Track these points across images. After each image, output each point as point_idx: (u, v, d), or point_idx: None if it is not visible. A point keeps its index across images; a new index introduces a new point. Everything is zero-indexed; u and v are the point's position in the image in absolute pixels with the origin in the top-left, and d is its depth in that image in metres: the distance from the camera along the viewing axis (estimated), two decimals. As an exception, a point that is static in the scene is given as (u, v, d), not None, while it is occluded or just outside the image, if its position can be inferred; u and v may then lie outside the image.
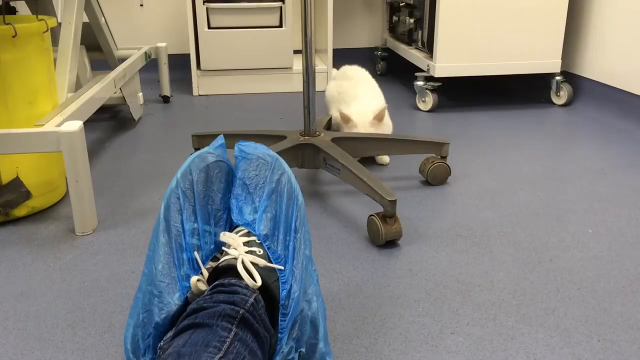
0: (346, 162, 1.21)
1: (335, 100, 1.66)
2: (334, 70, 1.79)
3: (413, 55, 2.23)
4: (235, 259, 0.68)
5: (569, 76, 2.15)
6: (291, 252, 0.71)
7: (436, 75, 2.01)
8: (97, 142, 1.75)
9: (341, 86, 1.65)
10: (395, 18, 2.50)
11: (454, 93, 2.30)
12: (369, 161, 1.56)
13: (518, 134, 1.78)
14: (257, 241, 0.71)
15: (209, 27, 2.23)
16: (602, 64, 2.00)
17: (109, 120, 1.99)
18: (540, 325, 0.86)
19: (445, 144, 1.39)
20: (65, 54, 1.44)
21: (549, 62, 2.05)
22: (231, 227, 0.75)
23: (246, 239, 0.71)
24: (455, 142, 1.70)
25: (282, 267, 0.69)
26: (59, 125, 1.13)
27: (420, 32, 2.17)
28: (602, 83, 2.01)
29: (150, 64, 2.14)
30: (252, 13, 2.24)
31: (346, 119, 1.49)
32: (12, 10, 1.68)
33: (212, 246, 0.73)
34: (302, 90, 1.32)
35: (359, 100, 1.56)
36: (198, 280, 0.68)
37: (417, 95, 2.09)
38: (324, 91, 1.80)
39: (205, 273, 0.70)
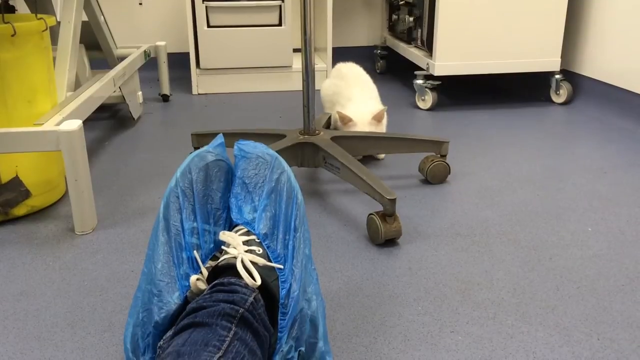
0: (346, 160, 1.21)
1: (331, 100, 1.66)
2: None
3: (412, 53, 2.23)
4: (235, 258, 0.68)
5: (568, 75, 2.15)
6: (291, 251, 0.71)
7: (436, 74, 2.01)
8: (96, 141, 1.75)
9: (337, 86, 1.65)
10: (394, 16, 2.50)
11: (454, 92, 2.30)
12: (368, 159, 1.56)
13: (518, 133, 1.78)
14: (257, 240, 0.71)
15: (209, 26, 2.23)
16: (602, 62, 2.00)
17: (108, 119, 1.98)
18: (540, 324, 0.86)
19: (444, 142, 1.39)
20: (64, 53, 1.44)
21: (548, 60, 2.04)
22: (231, 226, 0.75)
23: (246, 238, 0.71)
24: (455, 141, 1.70)
25: (281, 266, 0.69)
26: (58, 124, 1.13)
27: (419, 30, 2.17)
28: (601, 81, 2.01)
29: (150, 62, 2.14)
30: (252, 11, 2.23)
31: (346, 120, 1.49)
32: (11, 9, 1.68)
33: (212, 245, 0.73)
34: (301, 88, 1.32)
35: (354, 101, 1.56)
36: (197, 279, 0.68)
37: (417, 94, 2.09)
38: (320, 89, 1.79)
39: (205, 272, 0.70)
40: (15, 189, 1.19)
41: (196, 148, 1.45)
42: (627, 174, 1.44)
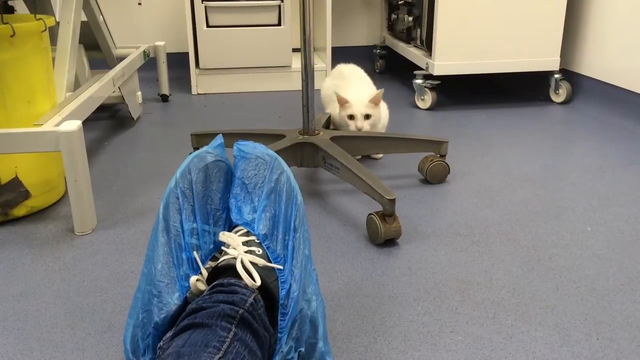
0: (345, 160, 1.21)
1: (331, 99, 1.66)
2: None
3: (412, 53, 2.23)
4: (235, 258, 0.68)
5: (567, 74, 2.15)
6: (290, 252, 0.71)
7: (435, 74, 2.01)
8: (96, 141, 1.75)
9: (337, 86, 1.65)
10: (394, 16, 2.50)
11: (453, 91, 2.30)
12: (365, 159, 1.56)
13: (517, 132, 1.78)
14: (257, 241, 0.71)
15: (208, 26, 2.23)
16: (601, 61, 2.00)
17: (107, 120, 1.98)
18: (540, 324, 0.87)
19: (444, 142, 1.39)
20: (63, 53, 1.44)
21: (547, 60, 2.04)
22: (230, 226, 0.75)
23: (245, 238, 0.71)
24: (454, 141, 1.70)
25: (281, 267, 0.69)
26: (58, 124, 1.13)
27: (419, 30, 2.17)
28: (601, 81, 2.01)
29: (149, 62, 2.14)
30: (251, 11, 2.23)
31: (343, 101, 1.49)
32: (10, 10, 1.68)
33: (211, 246, 0.73)
34: (301, 88, 1.32)
35: (352, 89, 1.56)
36: (197, 280, 0.68)
37: (416, 94, 2.09)
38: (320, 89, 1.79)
39: (205, 273, 0.70)
40: (15, 189, 1.19)
41: (196, 148, 1.45)
42: (626, 173, 1.45)
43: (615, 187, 1.36)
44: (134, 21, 2.67)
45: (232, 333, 0.59)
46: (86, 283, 0.99)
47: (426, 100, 2.06)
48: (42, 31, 1.21)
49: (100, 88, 1.48)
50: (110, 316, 0.89)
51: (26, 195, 1.21)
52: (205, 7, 2.19)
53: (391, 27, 2.59)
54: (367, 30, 2.86)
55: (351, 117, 1.47)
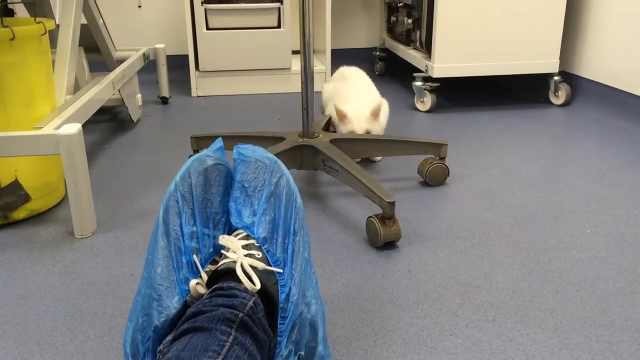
0: (345, 163, 1.21)
1: (331, 100, 1.66)
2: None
3: (411, 55, 2.23)
4: (234, 262, 0.68)
5: (567, 76, 2.15)
6: (290, 255, 0.71)
7: (434, 76, 2.01)
8: (95, 144, 1.75)
9: (338, 87, 1.65)
10: (393, 18, 2.50)
11: (453, 93, 2.30)
12: (364, 162, 1.56)
13: (516, 135, 1.78)
14: (256, 244, 0.71)
15: (208, 28, 2.23)
16: (601, 63, 2.01)
17: (107, 122, 1.99)
18: (539, 327, 0.87)
19: (443, 144, 1.39)
20: (63, 56, 1.44)
21: (547, 62, 2.05)
22: (230, 230, 0.76)
23: (245, 242, 0.71)
24: (454, 143, 1.70)
25: (281, 270, 0.69)
26: (58, 127, 1.13)
27: (418, 32, 2.17)
28: (600, 83, 2.01)
29: (149, 65, 2.14)
30: (251, 14, 2.24)
31: (342, 115, 1.49)
32: (10, 13, 1.68)
33: (211, 249, 0.73)
34: (300, 91, 1.32)
35: (353, 97, 1.56)
36: (197, 283, 0.68)
37: (416, 96, 2.09)
38: (322, 91, 1.80)
39: (205, 276, 0.70)
40: (15, 192, 1.19)
41: (195, 151, 1.45)
42: (625, 175, 1.45)
43: (615, 189, 1.37)
44: (134, 24, 2.68)
45: (231, 337, 0.59)
46: (86, 286, 0.99)
47: (426, 102, 2.06)
48: (42, 34, 1.22)
49: (100, 91, 1.48)
50: (110, 319, 0.89)
51: (26, 198, 1.21)
52: (205, 9, 2.19)
53: (391, 30, 2.59)
54: (367, 32, 2.86)
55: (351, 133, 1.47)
